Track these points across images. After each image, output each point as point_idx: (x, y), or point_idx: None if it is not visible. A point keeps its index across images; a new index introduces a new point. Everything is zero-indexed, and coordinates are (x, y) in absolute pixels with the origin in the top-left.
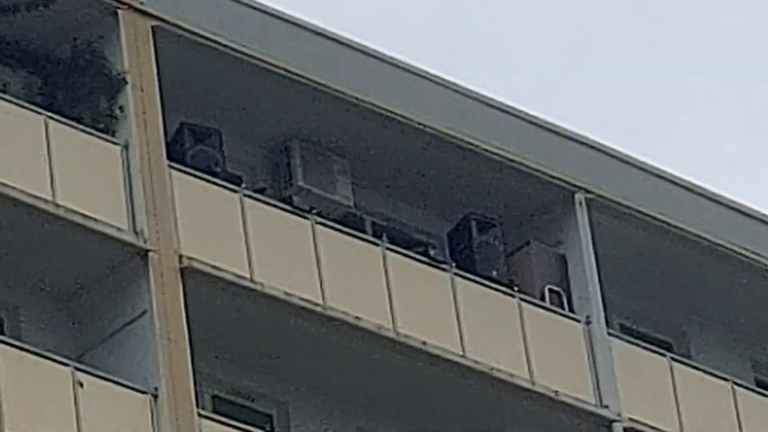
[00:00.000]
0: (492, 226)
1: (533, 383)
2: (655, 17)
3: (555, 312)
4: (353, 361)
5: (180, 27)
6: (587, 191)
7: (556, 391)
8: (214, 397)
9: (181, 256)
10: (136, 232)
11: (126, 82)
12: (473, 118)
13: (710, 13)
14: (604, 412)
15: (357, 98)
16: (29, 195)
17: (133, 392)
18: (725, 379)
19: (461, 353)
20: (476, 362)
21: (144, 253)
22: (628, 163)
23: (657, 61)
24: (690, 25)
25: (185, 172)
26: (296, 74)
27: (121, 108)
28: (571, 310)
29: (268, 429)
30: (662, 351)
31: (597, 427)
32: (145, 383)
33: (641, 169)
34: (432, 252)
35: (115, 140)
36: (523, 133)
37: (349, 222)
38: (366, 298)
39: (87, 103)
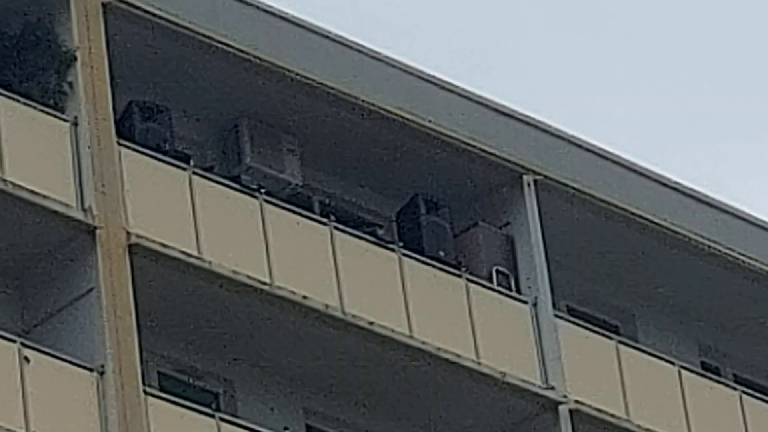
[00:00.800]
0: (440, 207)
1: (480, 364)
2: None
3: (502, 293)
4: (300, 340)
5: (131, 4)
6: (535, 173)
7: (503, 372)
8: (160, 374)
9: (128, 234)
10: (84, 209)
11: (76, 59)
12: (423, 98)
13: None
14: (550, 393)
15: (306, 77)
16: None
17: (80, 369)
18: (672, 363)
19: (408, 333)
20: (423, 342)
21: (92, 230)
22: (576, 145)
23: (605, 42)
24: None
25: (134, 150)
26: (246, 53)
27: (70, 85)
28: (518, 291)
29: (214, 407)
30: (609, 333)
31: (543, 409)
32: (91, 360)
33: (590, 151)
34: (380, 232)
35: (64, 117)
36: (472, 114)
37: (298, 201)
38: (313, 277)
39: (36, 80)
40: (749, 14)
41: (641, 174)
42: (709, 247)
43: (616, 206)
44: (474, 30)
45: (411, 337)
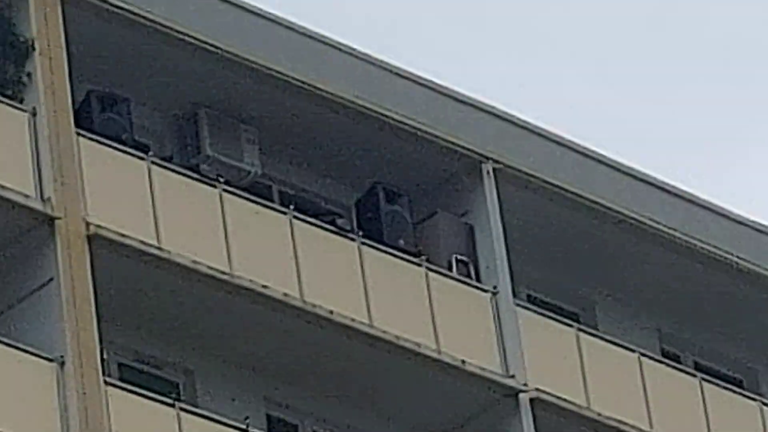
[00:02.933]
0: (399, 196)
1: (440, 352)
2: None
3: (462, 282)
4: (260, 329)
5: None
6: (494, 161)
7: (463, 361)
8: (120, 365)
9: (88, 224)
10: (43, 199)
11: (34, 49)
12: (381, 87)
13: None
14: (510, 382)
15: (265, 67)
16: None
17: (40, 359)
18: (632, 350)
19: (368, 322)
20: (383, 332)
21: (51, 220)
22: (535, 133)
23: (559, 27)
24: None
25: (93, 140)
26: (204, 42)
27: (29, 74)
28: (478, 280)
29: (174, 397)
30: (569, 321)
31: (503, 397)
32: (51, 350)
33: (548, 139)
34: (339, 221)
35: (22, 107)
36: (430, 102)
37: (257, 190)
38: (273, 267)
39: None
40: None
41: (600, 162)
42: (668, 234)
43: (576, 194)
44: (432, 18)
45: (371, 325)
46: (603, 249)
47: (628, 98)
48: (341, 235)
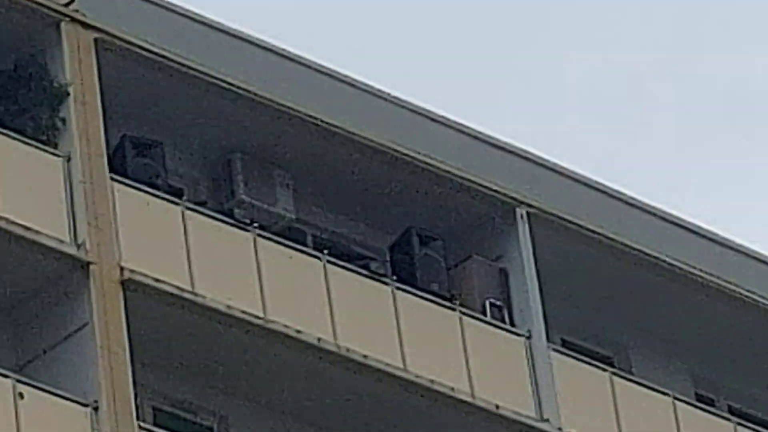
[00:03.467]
0: (433, 240)
1: (474, 397)
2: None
3: (496, 326)
4: (294, 373)
5: (122, 39)
6: (529, 205)
7: (497, 405)
8: (155, 409)
9: (122, 269)
10: (77, 244)
11: (68, 94)
12: (415, 131)
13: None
14: (544, 426)
15: (299, 111)
16: None
17: (74, 404)
18: (666, 394)
19: (402, 366)
20: (417, 375)
21: (85, 265)
22: (569, 177)
23: (598, 73)
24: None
25: (127, 185)
26: (238, 87)
27: (63, 120)
28: (512, 324)
29: None
30: (603, 365)
31: None
32: (85, 395)
33: (582, 183)
34: (373, 265)
35: (57, 152)
36: (464, 146)
37: (291, 235)
38: (307, 311)
39: (29, 115)
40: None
41: (634, 206)
42: (702, 278)
43: (609, 238)
44: (467, 64)
45: (405, 370)
46: (637, 292)
47: (661, 144)
48: (375, 279)
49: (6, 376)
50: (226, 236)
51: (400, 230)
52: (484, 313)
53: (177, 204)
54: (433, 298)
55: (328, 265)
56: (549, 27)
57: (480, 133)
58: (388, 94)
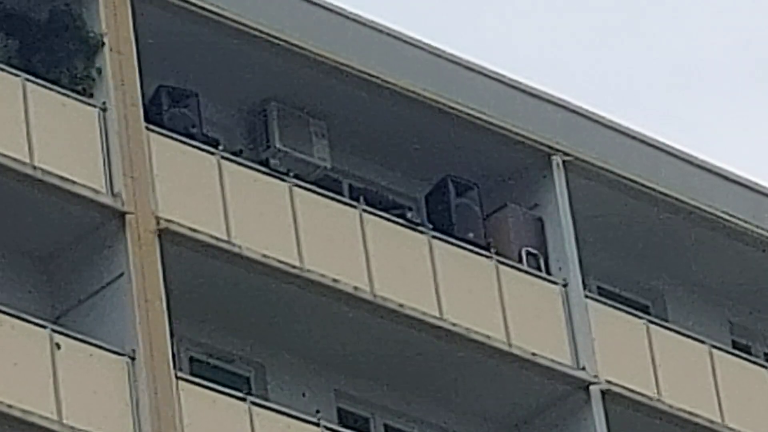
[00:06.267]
0: (469, 189)
1: (510, 345)
2: None
3: (532, 274)
4: (331, 323)
5: None
6: (564, 153)
7: (534, 353)
8: (191, 359)
9: (158, 219)
10: (113, 195)
11: (103, 45)
12: (451, 80)
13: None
14: (581, 374)
15: (334, 60)
16: (6, 157)
17: (111, 354)
18: (702, 342)
19: (438, 315)
20: (453, 324)
21: (121, 216)
22: (605, 125)
23: (633, 25)
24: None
25: (163, 135)
26: (273, 36)
27: (98, 70)
28: (548, 272)
29: (245, 391)
30: (639, 313)
31: (574, 389)
32: (122, 345)
33: (618, 131)
34: (409, 214)
35: (92, 102)
36: (500, 95)
37: (327, 184)
38: (343, 261)
39: (64, 66)
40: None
41: (670, 153)
42: (739, 225)
43: (646, 186)
44: (501, 13)
45: (441, 318)
46: (673, 241)
47: (701, 92)
48: (411, 228)
49: (43, 327)
50: (261, 186)
51: (436, 179)
52: (521, 262)
53: (212, 154)
54: (469, 247)
55: (364, 214)
56: None
57: (516, 81)
58: (423, 43)
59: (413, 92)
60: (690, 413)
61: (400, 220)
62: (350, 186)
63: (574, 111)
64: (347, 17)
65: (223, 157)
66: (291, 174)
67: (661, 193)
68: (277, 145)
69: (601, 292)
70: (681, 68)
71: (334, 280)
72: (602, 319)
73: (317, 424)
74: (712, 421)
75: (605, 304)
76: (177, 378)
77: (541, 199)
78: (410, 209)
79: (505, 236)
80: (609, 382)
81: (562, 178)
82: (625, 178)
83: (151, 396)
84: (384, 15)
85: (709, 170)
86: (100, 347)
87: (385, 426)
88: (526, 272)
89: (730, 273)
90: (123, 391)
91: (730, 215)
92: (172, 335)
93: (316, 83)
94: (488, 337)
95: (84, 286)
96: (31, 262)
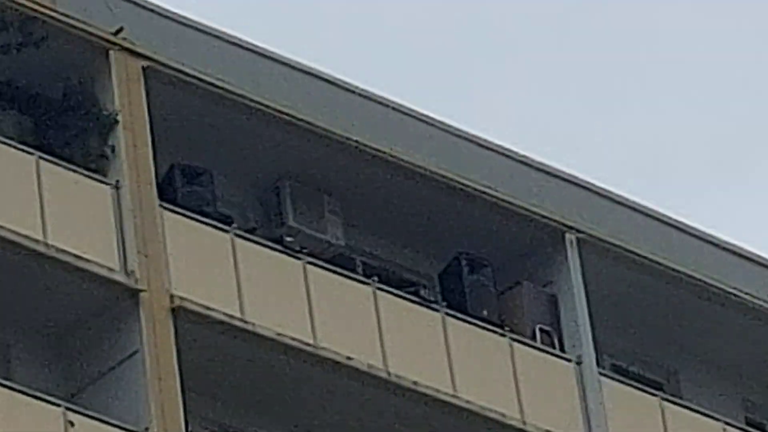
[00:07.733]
0: (483, 266)
1: (524, 423)
2: (645, 53)
3: (546, 351)
4: (345, 400)
5: (171, 67)
6: (578, 231)
7: (548, 431)
8: None
9: (172, 296)
10: (127, 272)
11: (117, 122)
12: (464, 157)
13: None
14: None
15: (347, 138)
16: (20, 235)
17: None
18: (716, 419)
19: (453, 392)
20: (468, 402)
21: (135, 293)
22: (618, 202)
23: (644, 100)
24: (677, 62)
25: (176, 212)
26: (287, 114)
27: (112, 148)
28: (562, 349)
29: None
30: (653, 390)
31: None
32: (136, 423)
33: (631, 208)
34: (423, 292)
35: (106, 180)
36: (513, 172)
37: (340, 262)
38: (357, 338)
39: (78, 143)
40: None
41: (683, 230)
42: (752, 302)
43: (659, 263)
44: (514, 90)
45: (455, 396)
46: (686, 317)
47: (710, 166)
48: (425, 305)
49: (57, 405)
50: (275, 263)
51: (450, 256)
52: (534, 339)
53: (226, 231)
54: (483, 324)
55: (378, 292)
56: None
57: (529, 158)
58: (436, 120)
59: (427, 169)
60: None
61: (414, 298)
62: (364, 263)
63: (587, 188)
64: (360, 95)
65: (236, 235)
66: (304, 251)
67: (674, 270)
68: (291, 223)
69: (615, 369)
70: (693, 143)
71: (348, 358)
72: (616, 396)
73: None
74: None
75: (619, 381)
76: None
77: (554, 276)
78: (424, 287)
79: (518, 313)
80: None
81: (575, 256)
82: (638, 255)
83: None
84: (397, 92)
85: (722, 247)
86: (114, 425)
87: None
88: (540, 349)
89: (744, 349)
90: None
91: (744, 291)
92: (185, 412)
93: (330, 161)
94: (503, 414)
95: (98, 363)
96: (45, 339)
